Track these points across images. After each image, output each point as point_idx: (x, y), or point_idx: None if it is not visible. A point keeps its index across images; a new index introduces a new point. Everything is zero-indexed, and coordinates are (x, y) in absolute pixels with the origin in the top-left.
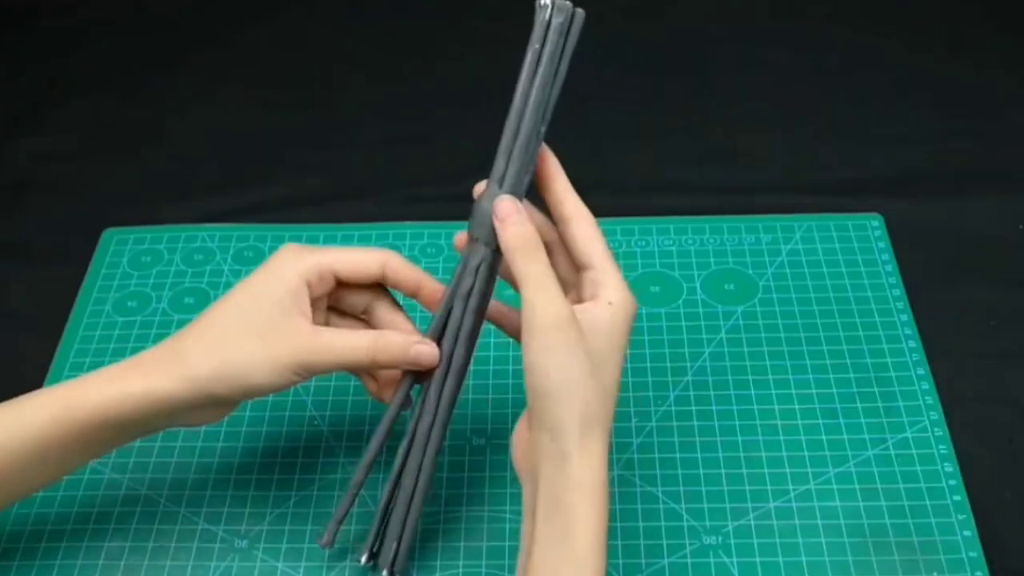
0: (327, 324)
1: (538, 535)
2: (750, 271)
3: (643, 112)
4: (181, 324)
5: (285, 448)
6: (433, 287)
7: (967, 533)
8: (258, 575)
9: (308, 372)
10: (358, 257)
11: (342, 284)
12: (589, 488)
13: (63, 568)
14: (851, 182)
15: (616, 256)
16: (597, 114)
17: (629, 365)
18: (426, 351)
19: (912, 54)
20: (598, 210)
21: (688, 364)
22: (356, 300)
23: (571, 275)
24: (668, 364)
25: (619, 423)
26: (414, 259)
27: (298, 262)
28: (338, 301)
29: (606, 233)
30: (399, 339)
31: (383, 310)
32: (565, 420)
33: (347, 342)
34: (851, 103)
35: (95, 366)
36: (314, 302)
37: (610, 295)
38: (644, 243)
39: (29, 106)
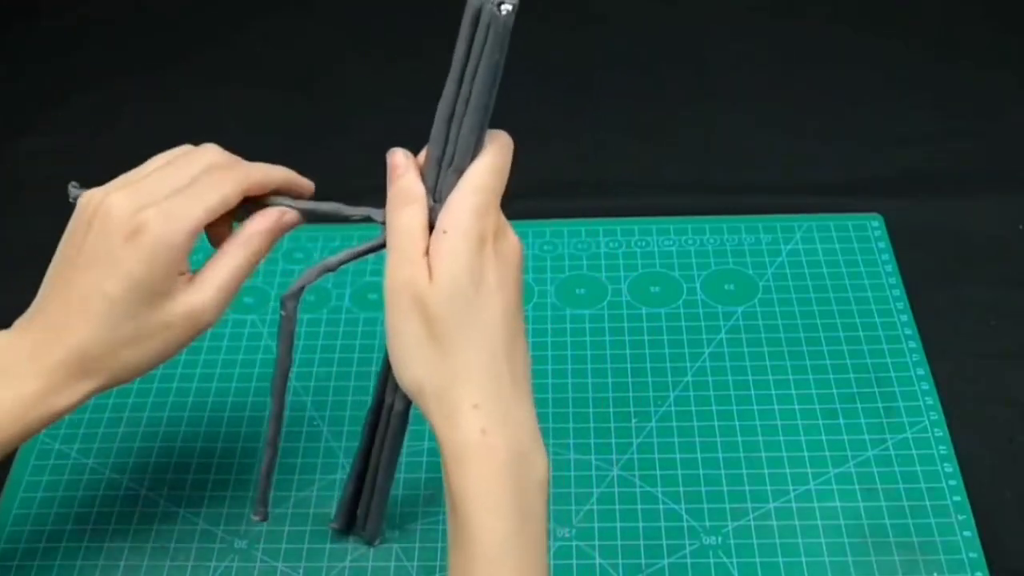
0: None
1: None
2: (750, 271)
3: (643, 111)
4: None
5: (285, 448)
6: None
7: (967, 533)
8: (258, 575)
9: (215, 318)
10: (219, 199)
11: None
12: (457, 456)
13: (63, 568)
14: (851, 182)
15: (616, 256)
16: (596, 113)
17: (629, 365)
18: (292, 216)
19: (912, 53)
20: (598, 210)
21: (688, 364)
22: None
23: None
24: (668, 364)
25: (619, 423)
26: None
27: (173, 239)
28: None
29: (607, 233)
30: (269, 221)
31: None
32: (413, 391)
33: (227, 271)
34: (851, 103)
35: None
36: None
37: (445, 224)
38: (644, 243)
39: (29, 106)
